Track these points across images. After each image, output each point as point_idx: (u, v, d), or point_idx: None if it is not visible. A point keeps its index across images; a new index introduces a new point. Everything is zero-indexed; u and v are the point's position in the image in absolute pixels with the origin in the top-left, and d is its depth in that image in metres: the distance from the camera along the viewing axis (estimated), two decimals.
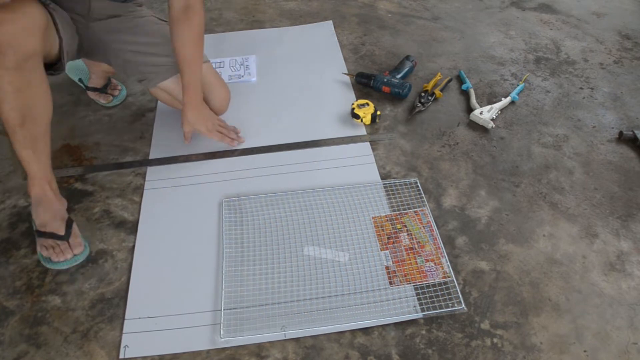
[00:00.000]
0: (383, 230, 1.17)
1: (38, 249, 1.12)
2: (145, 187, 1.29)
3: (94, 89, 1.52)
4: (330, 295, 1.05)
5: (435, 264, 1.11)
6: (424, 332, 1.01)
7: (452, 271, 1.09)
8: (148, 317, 1.03)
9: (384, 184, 1.28)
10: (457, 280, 1.09)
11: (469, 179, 1.32)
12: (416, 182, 1.28)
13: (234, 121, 1.48)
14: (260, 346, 0.98)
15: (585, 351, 0.98)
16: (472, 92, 1.55)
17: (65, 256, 1.09)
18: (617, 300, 1.06)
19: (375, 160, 1.35)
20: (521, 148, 1.41)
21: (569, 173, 1.34)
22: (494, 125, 1.45)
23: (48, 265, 1.10)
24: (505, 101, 1.52)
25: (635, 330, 1.01)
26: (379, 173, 1.31)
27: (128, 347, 0.98)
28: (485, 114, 1.46)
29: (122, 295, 1.07)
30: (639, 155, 1.39)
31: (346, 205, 1.23)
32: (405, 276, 1.08)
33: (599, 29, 1.89)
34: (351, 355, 0.97)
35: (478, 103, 1.52)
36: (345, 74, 1.63)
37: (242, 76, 1.64)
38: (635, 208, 1.25)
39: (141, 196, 1.27)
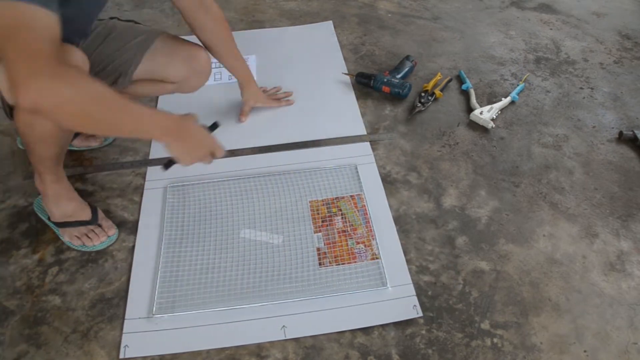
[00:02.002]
0: (318, 213, 1.21)
1: (67, 239, 1.16)
2: (145, 187, 1.29)
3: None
4: (261, 274, 1.10)
5: (365, 246, 1.14)
6: (424, 332, 1.01)
7: (381, 252, 1.12)
8: (148, 317, 1.03)
9: (324, 169, 1.31)
10: (457, 279, 1.09)
11: (469, 179, 1.32)
12: (355, 167, 1.31)
13: (234, 120, 1.48)
14: (260, 346, 0.99)
15: (585, 351, 0.98)
16: (472, 92, 1.55)
17: (100, 239, 1.16)
18: (617, 300, 1.06)
19: (375, 160, 1.35)
20: (521, 148, 1.41)
21: (569, 173, 1.34)
22: (494, 125, 1.45)
23: (82, 249, 1.15)
24: (505, 101, 1.52)
25: (635, 330, 1.01)
26: (379, 173, 1.31)
27: (128, 347, 0.98)
28: (485, 114, 1.46)
29: (122, 295, 1.07)
30: (639, 155, 1.39)
31: (286, 189, 1.28)
32: (335, 257, 1.12)
33: (599, 29, 1.89)
34: (351, 355, 0.97)
35: (478, 103, 1.52)
36: (345, 74, 1.63)
37: None
38: (635, 208, 1.25)
39: (141, 196, 1.27)
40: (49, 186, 1.13)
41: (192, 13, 1.17)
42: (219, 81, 1.63)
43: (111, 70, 1.16)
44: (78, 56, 0.90)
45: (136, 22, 1.24)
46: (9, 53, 0.71)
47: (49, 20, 0.74)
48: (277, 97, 1.54)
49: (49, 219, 1.18)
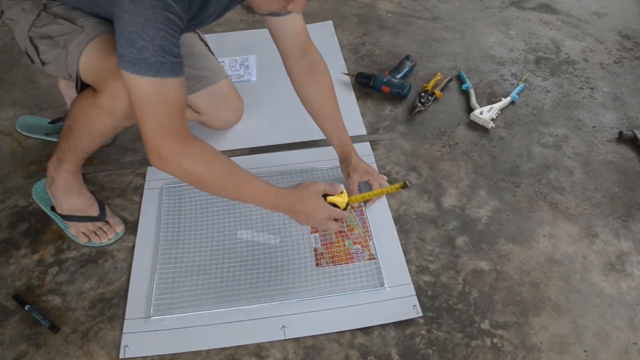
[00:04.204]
0: None
1: (73, 233, 1.16)
2: (145, 187, 1.29)
3: None
4: (259, 275, 1.09)
5: (362, 246, 1.14)
6: (424, 332, 1.01)
7: (378, 253, 1.12)
8: (147, 318, 1.03)
9: (322, 169, 1.31)
10: (457, 279, 1.09)
11: (469, 179, 1.32)
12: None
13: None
14: (260, 346, 0.99)
15: (585, 351, 0.98)
16: (472, 92, 1.55)
17: (109, 236, 1.16)
18: (617, 300, 1.06)
19: (375, 160, 1.35)
20: (521, 148, 1.41)
21: (569, 173, 1.34)
22: (494, 125, 1.45)
23: (89, 245, 1.16)
24: (505, 101, 1.52)
25: (635, 330, 1.01)
26: (379, 173, 1.31)
27: (128, 347, 0.98)
28: (485, 114, 1.46)
29: (122, 295, 1.07)
30: (639, 155, 1.39)
31: None
32: (332, 258, 1.12)
33: (599, 29, 1.89)
34: (351, 355, 0.97)
35: (478, 103, 1.52)
36: (345, 74, 1.63)
37: (242, 76, 1.64)
38: (635, 208, 1.25)
39: (141, 196, 1.27)
40: (63, 175, 1.12)
41: (302, 78, 1.17)
42: None
43: None
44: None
45: (209, 49, 1.32)
46: (143, 123, 0.83)
47: (177, 87, 0.82)
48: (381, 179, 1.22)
49: (52, 209, 1.18)
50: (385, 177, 1.24)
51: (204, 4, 0.92)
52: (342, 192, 1.02)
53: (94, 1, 0.95)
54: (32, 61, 1.03)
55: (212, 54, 1.33)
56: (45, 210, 1.20)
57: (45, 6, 0.97)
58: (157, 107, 0.82)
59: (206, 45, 1.32)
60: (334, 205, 1.01)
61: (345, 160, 1.20)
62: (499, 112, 1.50)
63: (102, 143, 1.10)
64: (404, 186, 1.08)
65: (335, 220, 1.01)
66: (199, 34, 1.32)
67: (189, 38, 1.28)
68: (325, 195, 1.00)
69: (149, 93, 0.80)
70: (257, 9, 0.90)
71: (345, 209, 1.03)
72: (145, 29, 0.76)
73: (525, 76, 1.64)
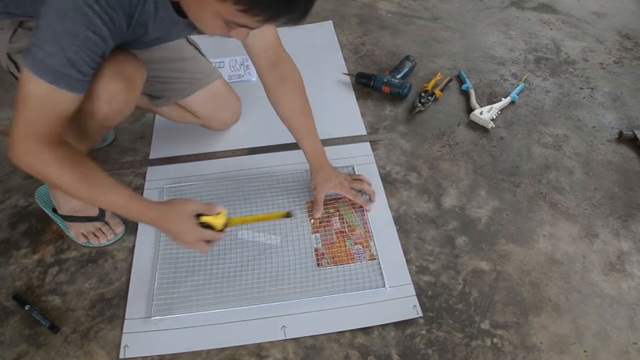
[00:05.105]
0: None
1: (72, 234, 1.17)
2: (145, 187, 1.29)
3: None
4: (259, 275, 1.10)
5: (363, 246, 1.14)
6: (424, 332, 1.01)
7: (379, 253, 1.12)
8: (147, 318, 1.03)
9: None
10: (457, 279, 1.09)
11: (469, 179, 1.32)
12: (353, 168, 1.32)
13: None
14: (260, 346, 0.99)
15: (585, 351, 0.98)
16: (472, 92, 1.55)
17: (107, 237, 1.17)
18: (617, 300, 1.06)
19: (375, 160, 1.35)
20: (521, 148, 1.41)
21: (569, 173, 1.34)
22: (494, 125, 1.45)
23: (88, 245, 1.16)
24: (505, 101, 1.52)
25: (635, 330, 1.01)
26: (379, 173, 1.31)
27: (128, 347, 0.98)
28: (485, 114, 1.46)
29: (122, 295, 1.07)
30: (639, 155, 1.39)
31: (283, 190, 1.27)
32: (333, 258, 1.12)
33: (599, 29, 1.89)
34: (351, 355, 0.97)
35: (478, 103, 1.52)
36: (345, 74, 1.63)
37: (242, 76, 1.64)
38: (635, 208, 1.25)
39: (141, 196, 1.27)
40: None
41: (273, 88, 1.16)
42: None
43: (158, 90, 1.25)
44: (131, 68, 0.96)
45: (200, 51, 1.31)
46: (16, 117, 0.81)
47: (68, 101, 0.81)
48: (355, 188, 1.23)
49: (53, 210, 1.18)
50: (370, 182, 1.24)
51: (144, 32, 0.90)
52: (219, 213, 0.94)
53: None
54: (16, 78, 1.03)
55: (203, 55, 1.32)
56: (47, 212, 1.20)
57: (21, 23, 0.97)
58: (35, 110, 0.80)
59: (196, 48, 1.31)
60: (209, 225, 0.93)
61: (314, 172, 1.20)
62: (499, 112, 1.50)
63: (93, 143, 1.09)
64: (287, 215, 1.00)
65: (208, 241, 0.95)
66: (187, 38, 1.30)
67: (177, 43, 1.25)
68: (200, 215, 0.93)
69: (35, 95, 0.79)
70: (203, 32, 0.87)
71: (222, 230, 0.95)
72: (60, 38, 0.75)
73: (525, 76, 1.64)
